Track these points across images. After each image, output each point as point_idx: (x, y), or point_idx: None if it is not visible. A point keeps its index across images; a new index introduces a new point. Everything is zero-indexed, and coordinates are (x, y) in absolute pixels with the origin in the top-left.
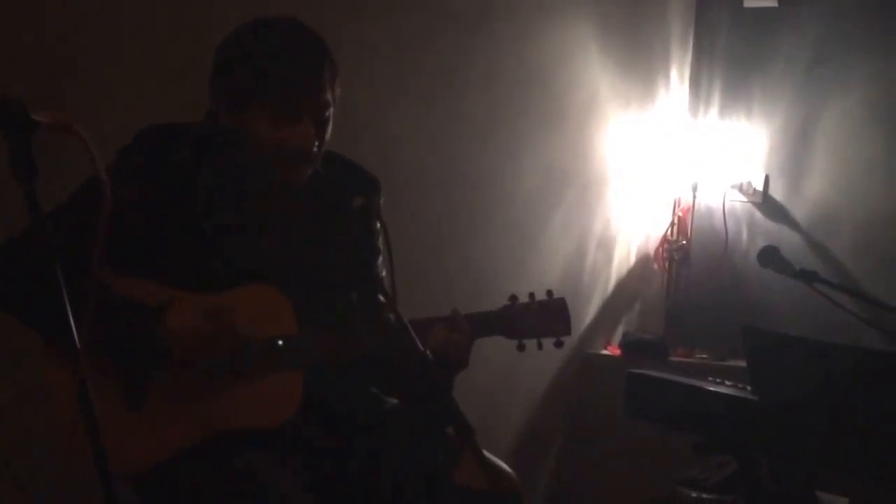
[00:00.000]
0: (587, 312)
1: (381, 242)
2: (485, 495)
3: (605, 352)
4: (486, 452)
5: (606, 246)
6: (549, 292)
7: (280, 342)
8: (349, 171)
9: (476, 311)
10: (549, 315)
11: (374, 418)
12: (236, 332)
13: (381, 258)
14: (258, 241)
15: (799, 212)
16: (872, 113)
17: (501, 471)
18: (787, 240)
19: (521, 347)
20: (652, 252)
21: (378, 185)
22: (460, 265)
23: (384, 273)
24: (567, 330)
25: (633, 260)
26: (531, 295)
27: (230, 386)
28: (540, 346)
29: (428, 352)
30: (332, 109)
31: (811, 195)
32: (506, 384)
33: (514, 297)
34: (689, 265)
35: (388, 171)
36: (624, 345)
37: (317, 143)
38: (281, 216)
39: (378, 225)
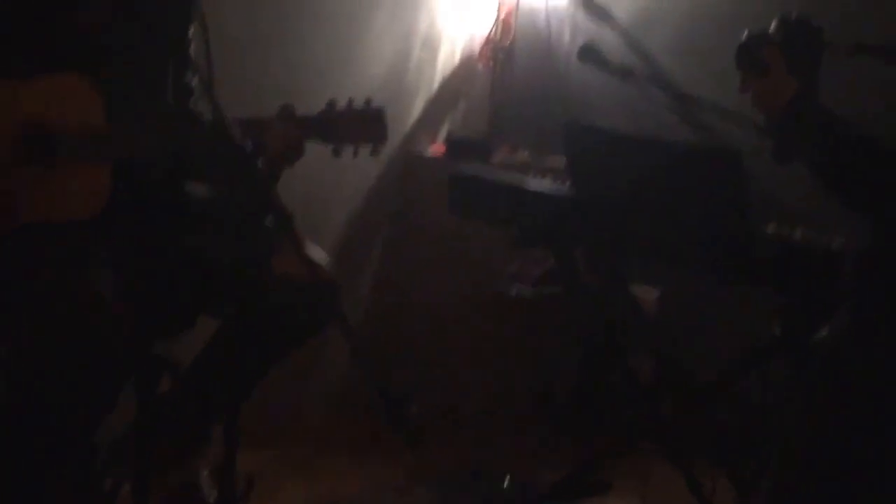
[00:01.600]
0: (411, 111)
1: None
2: (301, 285)
3: (429, 151)
4: (306, 242)
5: (431, 45)
6: (368, 101)
7: (90, 134)
8: None
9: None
10: (365, 123)
11: (188, 209)
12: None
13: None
14: (68, 20)
15: (620, 11)
16: None
17: (316, 262)
18: (609, 40)
19: (336, 153)
20: (476, 52)
21: None
22: (280, 63)
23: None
24: (383, 138)
25: (457, 59)
26: (350, 101)
27: (37, 178)
28: (355, 154)
29: (249, 142)
30: None
31: None
32: (329, 181)
33: (331, 103)
34: (513, 65)
35: None
36: (448, 143)
37: None
38: None
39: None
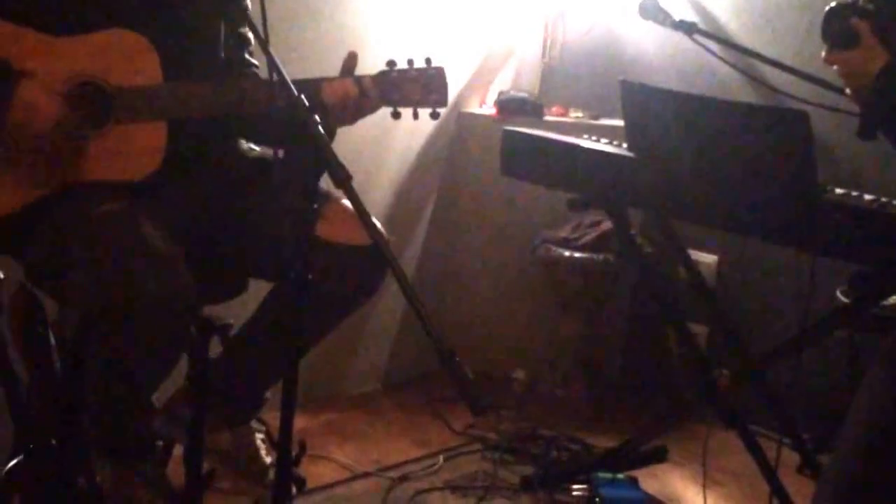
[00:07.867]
0: (462, 71)
1: None
2: (351, 249)
3: (480, 110)
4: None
5: (483, 4)
6: (428, 60)
7: (147, 91)
8: None
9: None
10: (426, 84)
11: (243, 170)
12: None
13: (248, 11)
14: None
15: None
16: None
17: (374, 224)
18: None
19: (395, 115)
20: (529, 8)
21: None
22: (335, 29)
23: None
24: (444, 101)
25: (508, 17)
26: (409, 62)
27: (92, 137)
28: (416, 116)
29: (304, 97)
30: None
31: None
32: (380, 142)
33: (391, 63)
34: (566, 22)
35: None
36: (499, 103)
37: None
38: None
39: None
